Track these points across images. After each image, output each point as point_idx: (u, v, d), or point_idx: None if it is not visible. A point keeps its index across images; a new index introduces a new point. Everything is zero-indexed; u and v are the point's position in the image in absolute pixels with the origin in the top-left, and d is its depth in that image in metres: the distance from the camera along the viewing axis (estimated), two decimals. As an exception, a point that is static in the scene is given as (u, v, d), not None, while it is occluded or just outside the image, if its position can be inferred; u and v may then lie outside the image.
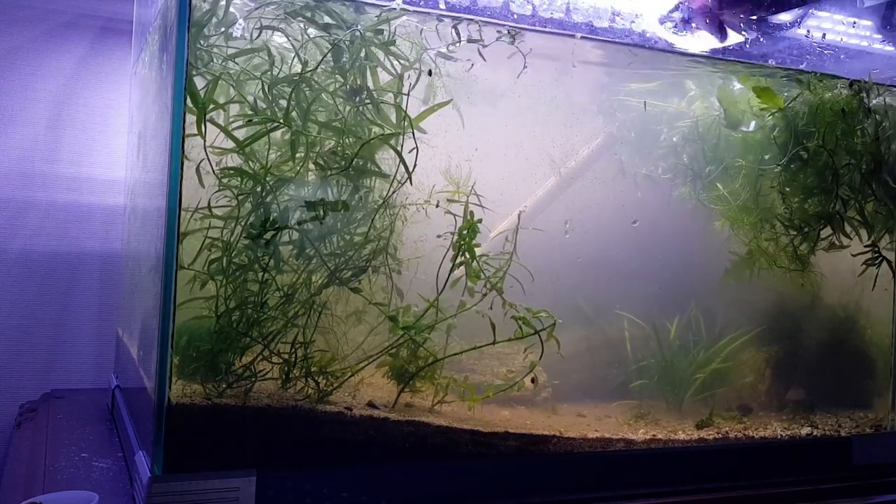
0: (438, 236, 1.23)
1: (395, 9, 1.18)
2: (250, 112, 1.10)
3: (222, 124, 1.10)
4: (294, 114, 1.13)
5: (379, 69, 1.18)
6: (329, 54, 1.14)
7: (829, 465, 1.42)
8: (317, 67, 1.14)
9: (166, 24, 1.14)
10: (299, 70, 1.13)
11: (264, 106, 1.12)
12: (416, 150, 1.19)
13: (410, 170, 1.19)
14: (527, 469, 1.20)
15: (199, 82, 1.06)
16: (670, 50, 1.46)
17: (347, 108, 1.17)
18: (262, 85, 1.11)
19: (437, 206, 1.23)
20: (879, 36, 1.59)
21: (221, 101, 1.10)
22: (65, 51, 1.91)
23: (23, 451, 1.37)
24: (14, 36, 1.87)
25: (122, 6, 1.86)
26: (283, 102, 1.12)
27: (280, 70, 1.13)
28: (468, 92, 1.27)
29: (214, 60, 1.08)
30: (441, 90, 1.24)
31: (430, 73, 1.22)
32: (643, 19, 1.42)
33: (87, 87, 1.92)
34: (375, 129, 1.18)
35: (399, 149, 1.19)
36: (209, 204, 1.09)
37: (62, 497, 1.05)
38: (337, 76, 1.15)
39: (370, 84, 1.18)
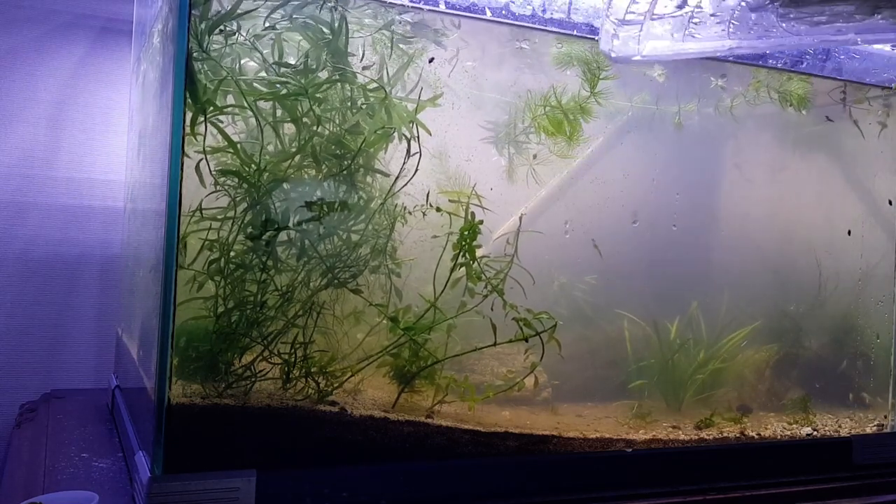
0: (435, 237, 1.23)
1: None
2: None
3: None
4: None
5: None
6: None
7: (829, 465, 1.42)
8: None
9: (167, 22, 1.14)
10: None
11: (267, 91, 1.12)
12: (416, 149, 1.20)
13: (411, 170, 1.19)
14: (527, 469, 1.20)
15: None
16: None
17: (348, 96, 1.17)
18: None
19: (438, 210, 1.23)
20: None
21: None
22: (65, 51, 1.91)
23: (23, 451, 1.37)
24: (14, 36, 1.87)
25: (122, 6, 1.86)
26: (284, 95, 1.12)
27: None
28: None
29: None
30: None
31: (430, 61, 1.22)
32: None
33: (87, 88, 1.92)
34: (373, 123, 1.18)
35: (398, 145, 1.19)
36: (200, 205, 1.09)
37: (62, 497, 1.05)
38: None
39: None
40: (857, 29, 1.12)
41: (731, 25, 1.13)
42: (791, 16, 1.09)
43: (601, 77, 1.39)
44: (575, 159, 1.41)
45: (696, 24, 1.14)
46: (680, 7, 1.14)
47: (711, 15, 1.13)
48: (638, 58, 1.24)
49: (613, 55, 1.26)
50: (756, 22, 1.13)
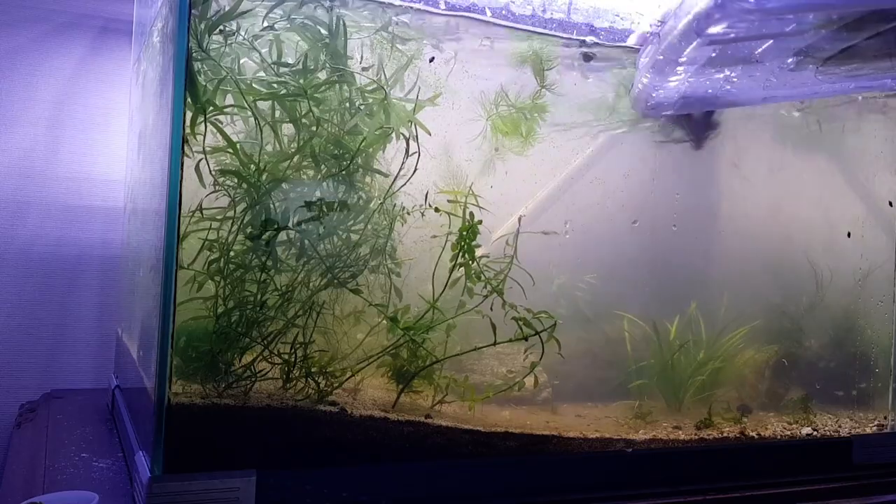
0: (434, 236, 1.23)
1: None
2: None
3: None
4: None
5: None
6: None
7: (829, 465, 1.42)
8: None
9: (167, 23, 1.14)
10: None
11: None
12: (415, 148, 1.20)
13: (410, 170, 1.19)
14: (527, 469, 1.20)
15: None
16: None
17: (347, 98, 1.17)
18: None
19: (437, 210, 1.23)
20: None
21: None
22: (65, 51, 1.91)
23: (23, 451, 1.37)
24: (14, 36, 1.87)
25: (122, 6, 1.86)
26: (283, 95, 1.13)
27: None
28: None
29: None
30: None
31: (431, 60, 1.22)
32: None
33: (87, 87, 1.92)
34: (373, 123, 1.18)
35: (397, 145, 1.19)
36: (200, 205, 1.09)
37: (62, 497, 1.05)
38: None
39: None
40: (893, 76, 1.14)
41: (769, 82, 1.16)
42: (830, 72, 1.11)
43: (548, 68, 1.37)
44: (526, 156, 1.40)
45: (734, 81, 1.16)
46: (719, 72, 1.16)
47: (749, 76, 1.15)
48: (671, 112, 1.27)
49: (645, 114, 1.30)
50: (793, 78, 1.16)
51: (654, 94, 1.24)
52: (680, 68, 1.16)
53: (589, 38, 1.34)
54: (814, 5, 1.03)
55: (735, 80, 1.19)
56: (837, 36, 1.09)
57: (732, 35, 1.09)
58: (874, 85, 1.21)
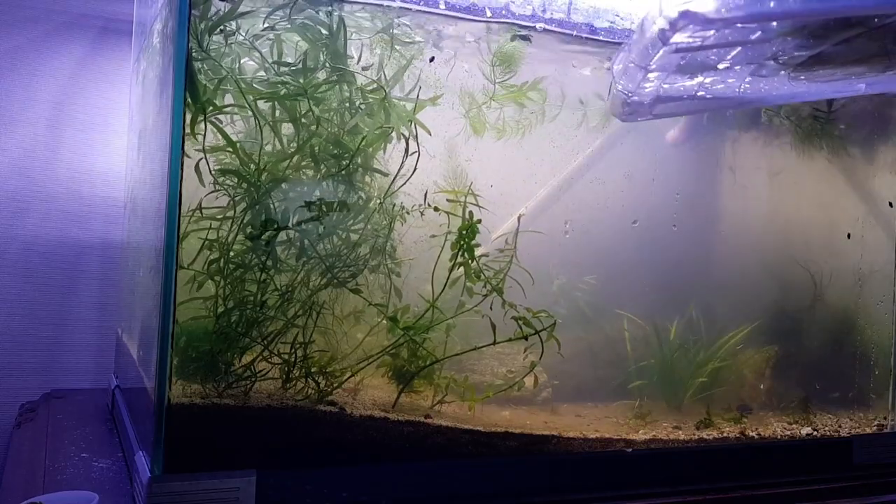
0: (433, 236, 1.23)
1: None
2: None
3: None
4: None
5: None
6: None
7: (829, 465, 1.41)
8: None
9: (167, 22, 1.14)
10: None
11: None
12: (415, 148, 1.20)
13: (410, 170, 1.19)
14: (527, 469, 1.20)
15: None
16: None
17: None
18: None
19: (436, 209, 1.23)
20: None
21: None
22: (65, 51, 1.91)
23: (23, 451, 1.37)
24: (14, 36, 1.87)
25: (122, 6, 1.86)
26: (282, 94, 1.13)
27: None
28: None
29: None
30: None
31: (431, 60, 1.22)
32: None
33: (87, 87, 1.92)
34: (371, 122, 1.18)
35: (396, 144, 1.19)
36: (200, 204, 1.09)
37: (62, 497, 1.05)
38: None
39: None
40: (867, 81, 1.14)
41: (743, 87, 1.16)
42: (802, 77, 1.12)
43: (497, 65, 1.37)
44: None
45: (707, 87, 1.17)
46: (691, 78, 1.16)
47: (723, 82, 1.16)
48: (649, 117, 1.28)
49: (624, 119, 1.30)
50: (766, 83, 1.16)
51: (629, 101, 1.25)
52: (652, 75, 1.17)
53: (539, 25, 1.34)
54: (774, 15, 1.04)
55: (709, 86, 1.20)
56: (804, 43, 1.11)
57: (698, 43, 1.09)
58: (849, 90, 1.21)
